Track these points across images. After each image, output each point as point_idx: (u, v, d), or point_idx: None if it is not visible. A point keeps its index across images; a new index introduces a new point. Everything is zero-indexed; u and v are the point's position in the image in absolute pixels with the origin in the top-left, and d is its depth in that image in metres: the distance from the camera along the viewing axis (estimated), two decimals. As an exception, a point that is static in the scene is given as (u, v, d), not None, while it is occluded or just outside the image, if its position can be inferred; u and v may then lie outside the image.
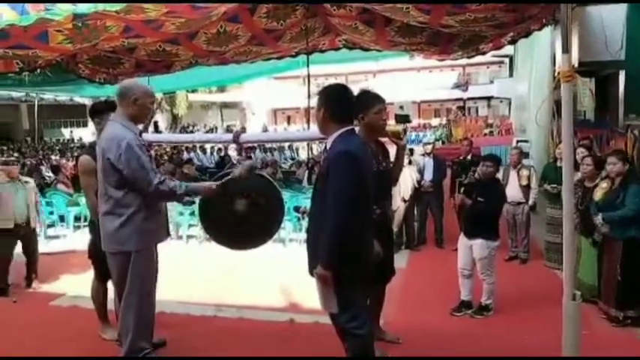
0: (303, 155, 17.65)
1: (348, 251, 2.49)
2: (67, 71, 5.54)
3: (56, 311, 4.63)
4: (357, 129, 2.88)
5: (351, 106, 2.75)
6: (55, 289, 5.22)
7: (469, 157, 6.58)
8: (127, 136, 3.08)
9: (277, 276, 5.40)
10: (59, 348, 3.72)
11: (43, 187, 8.62)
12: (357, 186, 2.47)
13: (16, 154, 15.60)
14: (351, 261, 2.53)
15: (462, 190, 4.50)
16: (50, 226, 7.80)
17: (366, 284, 2.74)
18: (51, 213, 7.84)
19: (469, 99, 35.58)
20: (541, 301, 4.46)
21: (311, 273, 2.61)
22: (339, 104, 2.68)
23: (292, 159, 17.60)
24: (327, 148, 2.70)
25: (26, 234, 5.35)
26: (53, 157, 16.91)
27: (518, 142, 9.90)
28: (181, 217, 7.40)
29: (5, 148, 20.74)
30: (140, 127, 3.37)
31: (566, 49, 2.56)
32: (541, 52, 9.48)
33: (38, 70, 5.51)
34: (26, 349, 3.74)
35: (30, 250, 5.43)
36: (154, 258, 3.32)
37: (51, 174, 11.39)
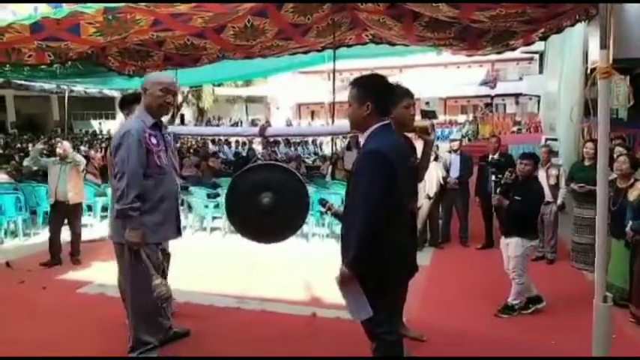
0: (326, 150, 17.65)
1: (377, 253, 2.36)
2: (97, 64, 5.66)
3: (83, 298, 4.74)
4: None
5: (393, 99, 2.63)
6: (82, 276, 5.34)
7: (496, 155, 6.45)
8: (130, 126, 3.09)
9: (300, 270, 5.42)
10: (85, 335, 3.81)
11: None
12: (385, 188, 2.33)
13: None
14: (380, 263, 2.40)
15: (499, 190, 4.41)
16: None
17: (397, 287, 2.61)
18: (79, 202, 8.01)
19: (497, 96, 34.99)
20: (569, 303, 4.39)
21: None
22: (385, 96, 2.52)
23: (315, 154, 17.61)
24: (363, 143, 2.52)
25: (67, 210, 5.86)
26: (82, 148, 17.28)
27: (547, 140, 9.69)
28: (206, 209, 7.48)
29: (36, 138, 21.27)
30: (165, 119, 3.38)
31: (604, 44, 2.47)
32: (573, 49, 9.23)
33: (69, 63, 5.64)
34: (52, 335, 3.84)
35: (70, 226, 5.95)
36: (150, 253, 3.09)
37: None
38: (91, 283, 5.08)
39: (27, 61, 4.84)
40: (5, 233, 7.07)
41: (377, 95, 2.47)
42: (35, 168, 7.39)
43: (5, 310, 4.39)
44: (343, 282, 2.37)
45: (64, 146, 5.92)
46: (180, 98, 24.04)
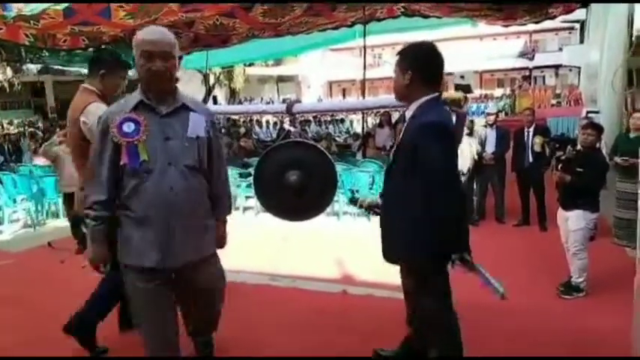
0: (358, 128, 17.49)
1: (448, 235, 2.25)
2: (130, 47, 5.72)
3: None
4: None
5: (442, 70, 2.44)
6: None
7: (532, 128, 6.24)
8: (109, 109, 2.48)
9: (331, 248, 5.43)
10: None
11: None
12: (452, 161, 2.27)
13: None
14: (448, 243, 2.28)
15: (560, 166, 4.27)
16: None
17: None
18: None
19: (535, 68, 33.79)
20: (609, 280, 4.26)
21: (385, 257, 2.48)
22: (430, 66, 2.38)
23: (347, 132, 17.46)
24: (409, 116, 2.39)
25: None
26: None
27: (588, 112, 9.31)
28: (238, 188, 7.56)
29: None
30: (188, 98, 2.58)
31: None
32: (617, 15, 8.78)
33: (103, 47, 5.71)
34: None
35: None
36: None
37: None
38: (130, 261, 5.23)
39: (62, 46, 4.94)
40: (47, 214, 7.34)
41: (418, 64, 2.35)
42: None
43: (47, 288, 4.58)
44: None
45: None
46: (212, 79, 24.18)
